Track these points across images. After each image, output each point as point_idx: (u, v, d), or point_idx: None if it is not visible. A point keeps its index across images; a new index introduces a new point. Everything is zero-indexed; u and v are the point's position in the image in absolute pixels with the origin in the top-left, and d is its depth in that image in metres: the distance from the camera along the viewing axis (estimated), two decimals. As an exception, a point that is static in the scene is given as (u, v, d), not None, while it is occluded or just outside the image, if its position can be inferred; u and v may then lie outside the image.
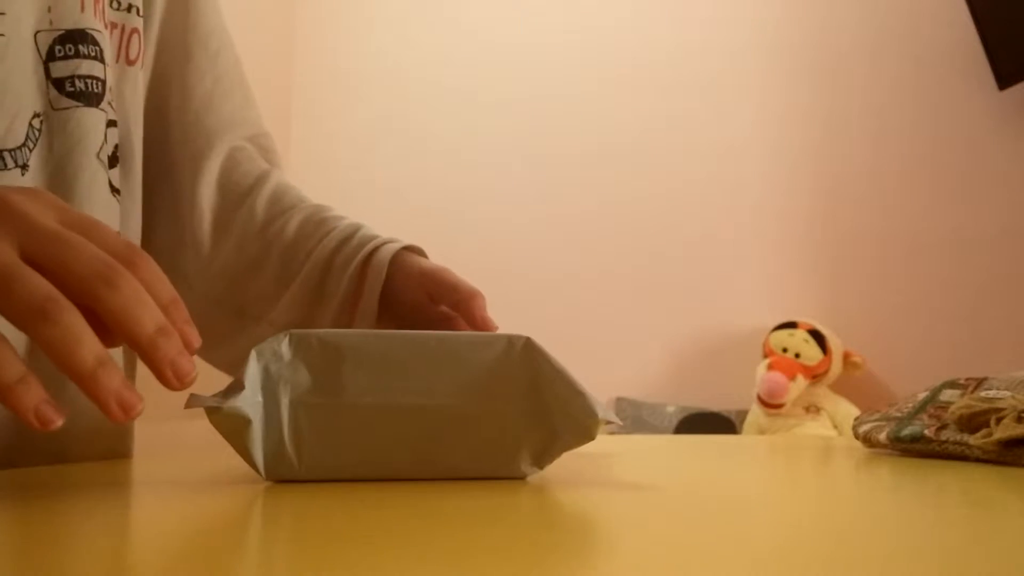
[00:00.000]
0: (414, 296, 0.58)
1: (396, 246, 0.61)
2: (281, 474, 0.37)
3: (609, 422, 0.39)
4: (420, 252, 0.63)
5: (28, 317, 0.30)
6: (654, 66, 2.44)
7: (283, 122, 2.75)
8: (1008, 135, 2.08)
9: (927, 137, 2.16)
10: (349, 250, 0.61)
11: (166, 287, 0.35)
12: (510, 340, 0.39)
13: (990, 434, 0.48)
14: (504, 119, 2.57)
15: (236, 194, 0.67)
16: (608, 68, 2.49)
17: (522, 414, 0.38)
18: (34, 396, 0.30)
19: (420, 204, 2.61)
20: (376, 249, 0.60)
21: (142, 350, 0.32)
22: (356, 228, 0.64)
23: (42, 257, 0.32)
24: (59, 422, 0.31)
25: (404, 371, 0.38)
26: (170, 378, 0.32)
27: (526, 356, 0.39)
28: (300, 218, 0.65)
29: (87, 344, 0.31)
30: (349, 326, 0.37)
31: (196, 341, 0.35)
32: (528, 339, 0.39)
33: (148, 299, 0.32)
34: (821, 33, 2.29)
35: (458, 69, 2.64)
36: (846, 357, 2.09)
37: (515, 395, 0.38)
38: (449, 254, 2.54)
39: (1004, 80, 2.00)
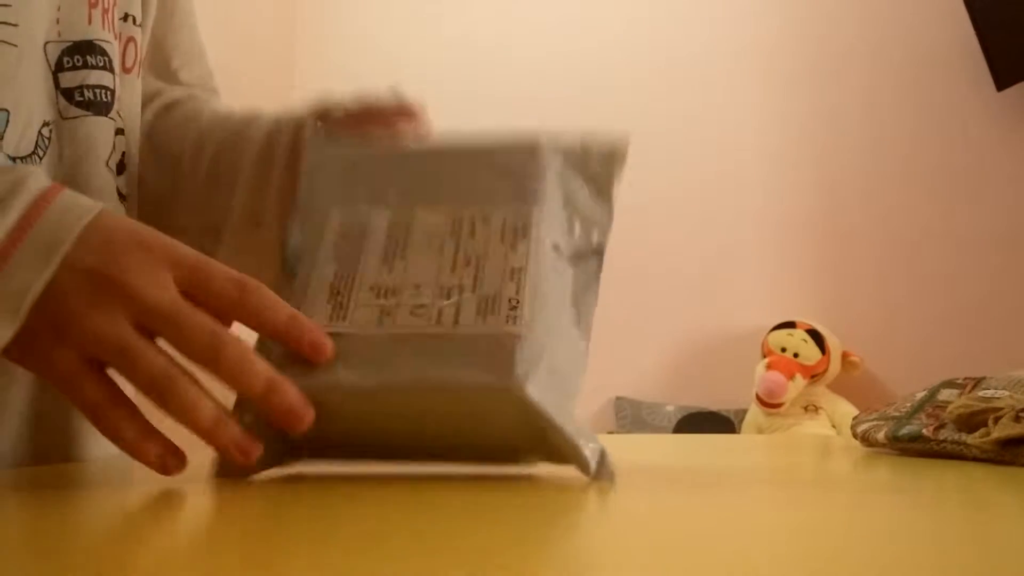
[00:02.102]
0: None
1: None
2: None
3: (600, 478, 0.36)
4: None
5: (149, 391, 0.36)
6: (654, 66, 2.44)
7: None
8: (1006, 135, 2.08)
9: (926, 137, 2.16)
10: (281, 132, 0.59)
11: (280, 309, 0.38)
12: (507, 388, 0.36)
13: (988, 433, 0.48)
14: (505, 121, 2.57)
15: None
16: (608, 69, 2.49)
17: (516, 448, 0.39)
18: (232, 433, 0.36)
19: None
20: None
21: (258, 405, 0.36)
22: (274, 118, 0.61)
23: (156, 332, 0.37)
24: (259, 451, 0.36)
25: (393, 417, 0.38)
26: (289, 424, 0.36)
27: (521, 409, 0.36)
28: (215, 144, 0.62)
29: (200, 408, 0.35)
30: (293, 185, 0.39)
31: (326, 345, 0.38)
32: (522, 391, 0.35)
33: (250, 361, 0.36)
34: (821, 34, 2.29)
35: (459, 69, 2.64)
36: (844, 357, 2.09)
37: (510, 437, 0.38)
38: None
39: (1002, 81, 2.00)
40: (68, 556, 0.21)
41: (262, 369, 0.36)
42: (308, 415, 0.36)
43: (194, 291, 0.37)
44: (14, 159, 0.49)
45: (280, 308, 0.38)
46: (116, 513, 0.30)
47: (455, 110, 2.59)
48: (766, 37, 2.34)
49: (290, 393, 0.36)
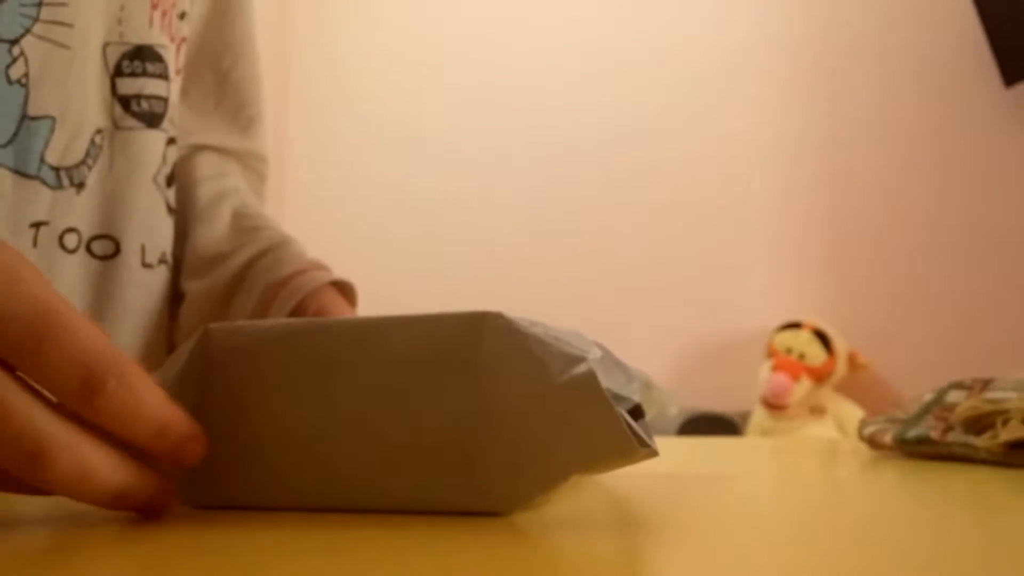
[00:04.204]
0: None
1: (316, 278, 0.56)
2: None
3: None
4: (347, 290, 0.57)
5: (22, 465, 0.23)
6: (656, 63, 2.44)
7: (281, 123, 2.76)
8: (1014, 132, 2.07)
9: (932, 134, 2.15)
10: (263, 265, 0.57)
11: (146, 415, 0.25)
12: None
13: (996, 436, 0.48)
14: (504, 118, 2.57)
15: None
16: (610, 66, 2.49)
17: None
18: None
19: (419, 204, 2.61)
20: (293, 276, 0.56)
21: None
22: (280, 240, 0.59)
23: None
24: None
25: None
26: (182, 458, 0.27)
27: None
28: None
29: (94, 480, 0.24)
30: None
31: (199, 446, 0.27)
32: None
33: (93, 469, 0.24)
34: (825, 30, 2.29)
35: (457, 65, 2.64)
36: (851, 358, 2.08)
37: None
38: (448, 254, 2.55)
39: (1010, 77, 2.00)
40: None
41: (107, 477, 0.24)
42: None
43: (22, 371, 0.24)
44: (58, 169, 0.47)
45: (146, 412, 0.25)
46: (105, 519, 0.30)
47: (453, 107, 2.60)
48: (771, 33, 2.34)
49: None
